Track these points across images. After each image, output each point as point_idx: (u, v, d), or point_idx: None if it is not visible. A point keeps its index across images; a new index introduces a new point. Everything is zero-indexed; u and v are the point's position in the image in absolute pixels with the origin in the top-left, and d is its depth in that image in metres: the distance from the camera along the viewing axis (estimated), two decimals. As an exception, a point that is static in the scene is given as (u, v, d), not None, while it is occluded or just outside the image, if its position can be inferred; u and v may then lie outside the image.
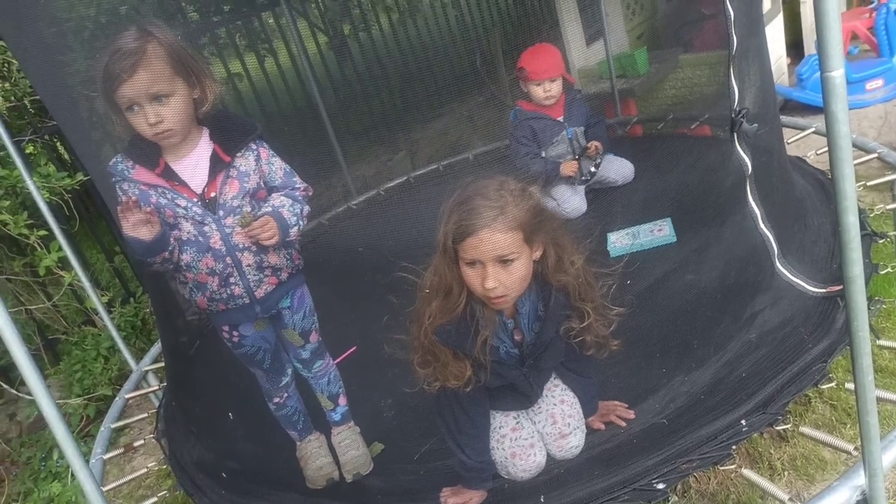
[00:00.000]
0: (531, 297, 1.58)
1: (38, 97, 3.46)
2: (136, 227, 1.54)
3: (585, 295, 1.56)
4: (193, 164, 1.67)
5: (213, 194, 1.66)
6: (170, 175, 1.65)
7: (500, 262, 1.42)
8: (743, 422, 1.59)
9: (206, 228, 1.67)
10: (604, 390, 1.90)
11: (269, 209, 1.72)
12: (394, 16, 4.88)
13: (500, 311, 1.55)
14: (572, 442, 1.75)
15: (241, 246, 1.70)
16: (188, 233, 1.67)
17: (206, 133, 1.70)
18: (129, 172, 1.65)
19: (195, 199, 1.66)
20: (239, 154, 1.70)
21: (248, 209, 1.69)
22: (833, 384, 1.68)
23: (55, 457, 2.87)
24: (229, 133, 1.70)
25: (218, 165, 1.67)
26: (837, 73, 1.07)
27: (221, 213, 1.67)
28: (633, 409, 1.83)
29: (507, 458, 1.71)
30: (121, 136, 1.65)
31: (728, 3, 1.94)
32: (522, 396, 1.74)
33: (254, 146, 1.73)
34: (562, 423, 1.75)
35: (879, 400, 1.41)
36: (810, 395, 1.99)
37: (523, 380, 1.67)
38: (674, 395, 1.81)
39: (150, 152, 1.64)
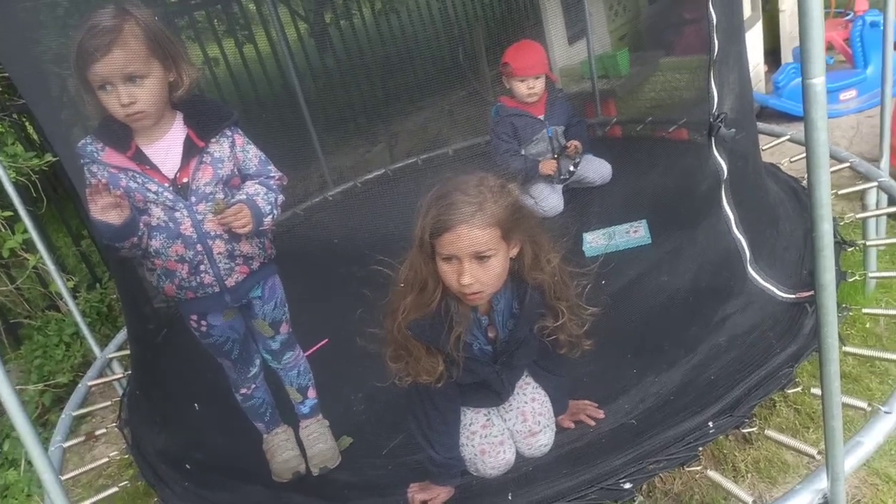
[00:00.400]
0: (506, 295, 1.57)
1: (6, 75, 3.36)
2: (104, 211, 1.50)
3: (561, 294, 1.56)
4: (166, 148, 1.63)
5: (185, 180, 1.62)
6: (141, 158, 1.60)
7: (476, 259, 1.41)
8: (710, 423, 1.61)
9: (178, 214, 1.63)
10: (575, 389, 1.90)
11: (244, 197, 1.68)
12: (377, 6, 4.84)
13: (474, 308, 1.55)
14: (542, 440, 1.75)
15: (212, 233, 1.66)
16: (158, 218, 1.63)
17: (179, 117, 1.66)
18: (98, 154, 1.60)
19: (166, 185, 1.62)
20: (213, 140, 1.66)
21: (221, 196, 1.65)
22: (799, 388, 1.71)
23: (6, 447, 2.79)
24: (204, 118, 1.66)
25: (191, 150, 1.63)
26: (818, 81, 1.08)
27: (193, 199, 1.63)
28: (603, 408, 1.84)
29: (477, 455, 1.71)
30: (91, 116, 1.59)
31: (711, 7, 1.95)
32: (494, 394, 1.73)
33: (229, 133, 1.69)
34: (532, 421, 1.74)
35: (844, 406, 1.44)
36: (776, 398, 2.02)
37: (496, 377, 1.67)
38: (643, 396, 1.82)
39: (121, 134, 1.59)
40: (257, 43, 4.46)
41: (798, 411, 2.05)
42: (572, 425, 1.84)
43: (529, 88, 3.03)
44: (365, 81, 4.95)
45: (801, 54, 1.07)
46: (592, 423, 1.82)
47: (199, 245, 1.66)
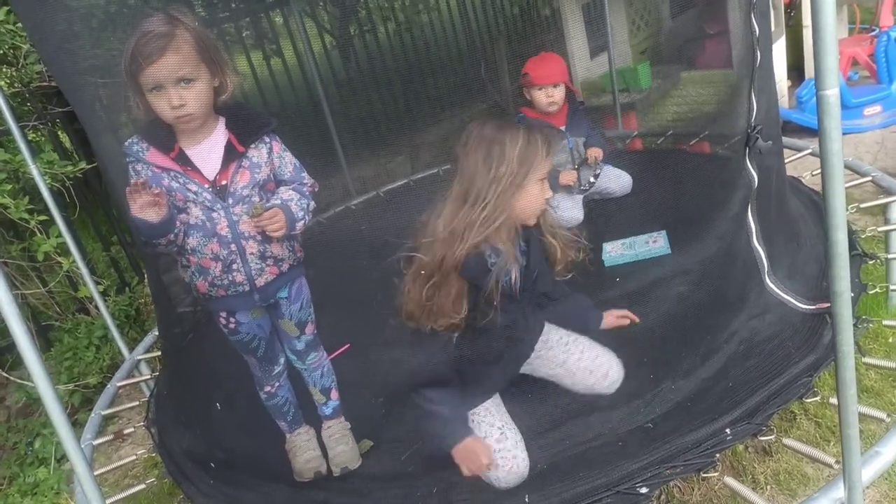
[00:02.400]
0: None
1: (44, 83, 3.48)
2: (143, 209, 1.57)
3: (553, 228, 1.78)
4: (207, 150, 1.70)
5: (223, 182, 1.70)
6: (183, 160, 1.68)
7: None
8: (728, 430, 1.62)
9: (215, 215, 1.70)
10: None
11: (279, 202, 1.75)
12: (400, 19, 4.92)
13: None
14: (612, 374, 1.89)
15: (246, 234, 1.73)
16: (196, 217, 1.70)
17: (221, 122, 1.73)
18: (143, 154, 1.67)
19: (206, 186, 1.69)
20: (253, 146, 1.73)
21: (257, 199, 1.72)
22: (817, 398, 1.71)
23: (37, 444, 2.87)
24: (245, 124, 1.73)
25: (232, 154, 1.70)
26: (832, 92, 1.10)
27: (231, 200, 1.70)
28: (619, 412, 1.86)
29: (490, 469, 1.71)
30: (138, 118, 1.66)
31: (753, 18, 1.97)
32: (521, 346, 1.79)
33: (267, 139, 1.76)
34: (597, 367, 1.89)
35: (862, 416, 1.44)
36: (795, 411, 2.02)
37: (521, 314, 1.75)
38: (660, 401, 1.84)
39: (165, 136, 1.66)
40: (284, 55, 4.56)
41: (819, 424, 2.04)
42: (623, 323, 1.98)
43: (549, 97, 3.06)
44: (388, 93, 5.02)
45: (815, 66, 1.10)
46: (635, 319, 1.98)
47: (233, 245, 1.72)
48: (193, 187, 1.68)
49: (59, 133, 3.89)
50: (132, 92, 1.60)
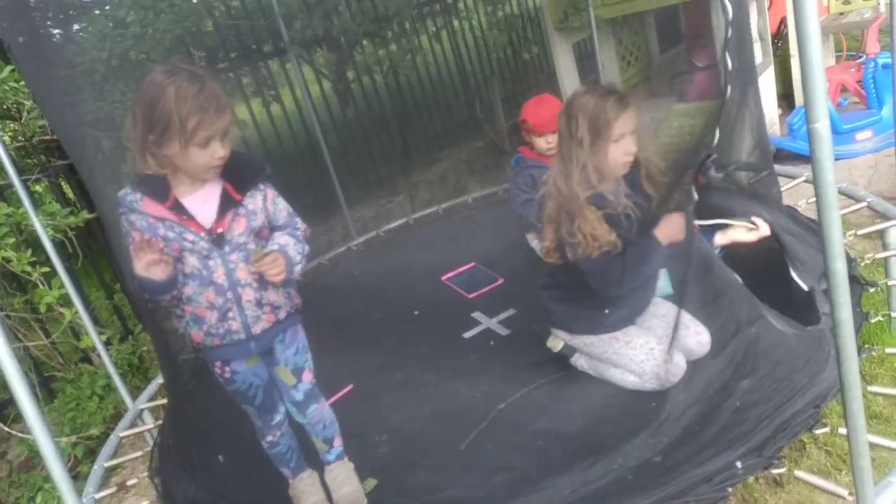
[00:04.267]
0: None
1: (46, 136, 3.53)
2: (148, 268, 1.58)
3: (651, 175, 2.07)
4: (203, 199, 1.71)
5: (220, 230, 1.70)
6: (179, 209, 1.68)
7: (632, 134, 1.97)
8: (738, 464, 1.60)
9: (212, 263, 1.70)
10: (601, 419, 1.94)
11: (276, 247, 1.75)
12: (396, 63, 5.02)
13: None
14: (704, 337, 2.11)
15: (242, 282, 1.73)
16: (192, 266, 1.70)
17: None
18: (137, 204, 1.67)
19: (203, 234, 1.69)
20: (248, 193, 1.74)
21: (252, 246, 1.73)
22: (826, 429, 1.69)
23: (39, 499, 2.82)
24: (241, 172, 1.74)
25: (228, 202, 1.71)
26: (822, 125, 1.13)
27: (227, 248, 1.71)
28: (626, 446, 1.85)
29: (660, 365, 2.05)
30: (145, 170, 1.66)
31: (727, 54, 2.01)
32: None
33: (262, 186, 1.78)
34: (692, 324, 2.11)
35: (873, 445, 1.43)
36: (805, 440, 2.00)
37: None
38: (668, 433, 1.82)
39: (159, 186, 1.67)
40: (283, 101, 4.63)
41: (829, 453, 2.01)
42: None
43: (548, 143, 3.10)
44: (385, 134, 5.09)
45: (805, 100, 1.12)
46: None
47: (229, 292, 1.72)
48: (190, 236, 1.68)
49: (63, 183, 3.92)
50: (160, 145, 1.59)
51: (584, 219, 1.96)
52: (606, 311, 2.16)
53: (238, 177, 1.73)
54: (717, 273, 2.10)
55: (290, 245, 1.77)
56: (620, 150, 1.99)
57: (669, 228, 2.00)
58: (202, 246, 1.69)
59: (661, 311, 2.26)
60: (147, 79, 1.59)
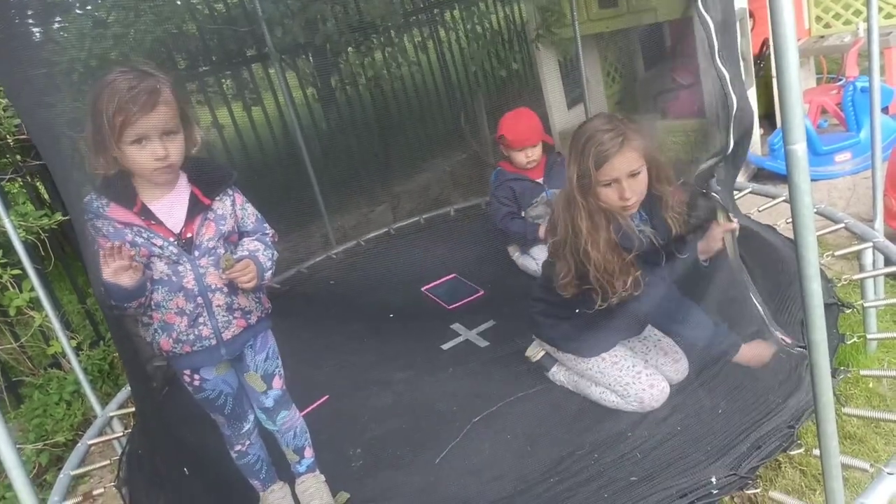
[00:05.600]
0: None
1: (21, 136, 3.46)
2: (116, 274, 1.54)
3: (662, 176, 1.98)
4: (170, 204, 1.69)
5: (189, 235, 1.68)
6: (147, 214, 1.66)
7: (631, 177, 1.88)
8: (713, 479, 1.59)
9: (181, 268, 1.68)
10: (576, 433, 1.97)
11: (246, 253, 1.74)
12: (380, 71, 5.01)
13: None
14: (682, 364, 2.15)
15: (213, 287, 1.71)
16: (160, 272, 1.67)
17: (184, 176, 1.73)
18: (104, 210, 1.64)
19: (172, 239, 1.67)
20: (217, 198, 1.73)
21: (222, 251, 1.72)
22: (801, 450, 1.69)
23: (-1, 508, 2.75)
24: (209, 177, 1.74)
25: (197, 207, 1.70)
26: (799, 147, 1.13)
27: (196, 253, 1.69)
28: (602, 460, 1.86)
29: (644, 389, 2.04)
30: (96, 172, 1.64)
31: (720, 63, 2.02)
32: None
33: (230, 192, 1.77)
34: (672, 351, 2.16)
35: (846, 466, 1.43)
36: (780, 459, 2.00)
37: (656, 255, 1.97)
38: (640, 447, 1.82)
39: (126, 191, 1.65)
40: (265, 106, 4.60)
41: (804, 472, 2.02)
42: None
43: (527, 157, 3.11)
44: (368, 143, 5.08)
45: (782, 122, 1.13)
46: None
47: (199, 298, 1.70)
48: (159, 241, 1.65)
49: (37, 184, 3.85)
50: (101, 145, 1.57)
51: (595, 257, 1.91)
52: (599, 331, 2.12)
53: (206, 181, 1.72)
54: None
55: (261, 251, 1.77)
56: (615, 194, 1.91)
57: (711, 242, 2.04)
58: (171, 251, 1.66)
59: (646, 332, 2.25)
60: (98, 80, 1.59)
